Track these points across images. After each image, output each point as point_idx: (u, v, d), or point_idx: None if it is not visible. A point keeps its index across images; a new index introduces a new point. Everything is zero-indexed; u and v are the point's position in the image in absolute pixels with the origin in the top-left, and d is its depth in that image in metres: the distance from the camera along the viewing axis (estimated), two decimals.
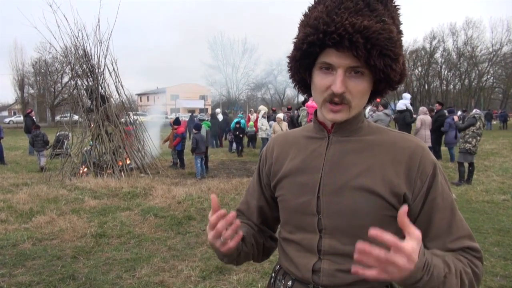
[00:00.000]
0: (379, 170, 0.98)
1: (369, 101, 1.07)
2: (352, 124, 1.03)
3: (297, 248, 1.06)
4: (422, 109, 10.74)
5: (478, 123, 7.93)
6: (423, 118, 10.08)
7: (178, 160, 10.99)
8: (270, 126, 13.01)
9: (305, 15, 0.99)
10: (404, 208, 0.79)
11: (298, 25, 1.01)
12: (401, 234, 1.00)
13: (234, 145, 14.51)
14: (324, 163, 1.03)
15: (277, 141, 1.19)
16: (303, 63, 0.99)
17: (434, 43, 52.85)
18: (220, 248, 1.01)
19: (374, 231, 0.77)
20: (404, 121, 10.22)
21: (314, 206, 1.02)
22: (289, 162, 1.11)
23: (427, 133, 10.03)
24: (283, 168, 1.11)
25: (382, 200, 0.96)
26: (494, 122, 29.40)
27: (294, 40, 0.99)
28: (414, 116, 10.86)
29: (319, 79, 0.97)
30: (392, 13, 0.96)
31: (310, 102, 8.42)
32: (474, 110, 8.82)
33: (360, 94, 0.96)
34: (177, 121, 11.32)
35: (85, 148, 9.78)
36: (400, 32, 0.97)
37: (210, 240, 1.02)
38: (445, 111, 11.42)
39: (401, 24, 1.00)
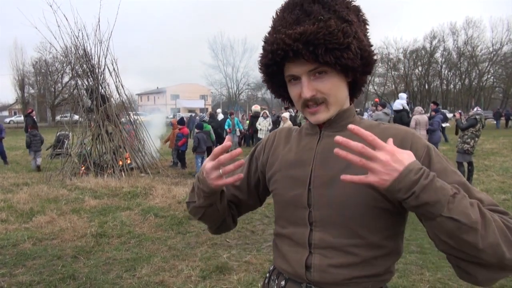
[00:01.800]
0: None
1: (355, 94, 1.10)
2: (342, 119, 1.06)
3: (290, 243, 1.08)
4: (417, 108, 10.75)
5: (478, 124, 7.93)
6: (418, 118, 10.06)
7: (179, 160, 10.98)
8: (270, 125, 13.04)
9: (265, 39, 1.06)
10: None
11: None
12: (394, 230, 1.00)
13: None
14: (314, 156, 1.06)
15: (279, 134, 1.23)
16: (273, 82, 1.08)
17: (434, 42, 52.83)
18: (213, 181, 1.01)
19: (352, 126, 0.82)
20: (402, 120, 10.21)
21: (305, 198, 1.04)
22: (283, 156, 1.14)
23: (422, 133, 10.00)
24: (277, 162, 1.14)
25: (372, 190, 0.95)
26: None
27: (259, 65, 1.07)
28: (411, 116, 10.86)
29: (291, 91, 1.05)
30: (335, 6, 0.97)
31: None
32: (475, 109, 8.79)
33: (331, 90, 1.00)
34: (181, 121, 11.27)
35: (81, 149, 9.78)
36: (346, 21, 0.96)
37: (207, 169, 1.02)
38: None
39: (348, 9, 0.99)
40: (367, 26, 1.05)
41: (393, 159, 0.80)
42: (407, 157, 0.81)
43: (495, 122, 28.17)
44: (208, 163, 1.02)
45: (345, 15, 0.97)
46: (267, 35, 1.02)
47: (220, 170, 1.01)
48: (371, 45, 1.02)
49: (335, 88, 1.00)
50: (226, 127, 15.16)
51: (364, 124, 1.06)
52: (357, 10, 1.02)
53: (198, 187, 1.09)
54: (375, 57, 1.02)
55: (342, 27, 0.94)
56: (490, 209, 0.88)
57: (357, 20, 1.01)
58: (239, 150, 0.97)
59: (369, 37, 1.04)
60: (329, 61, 0.93)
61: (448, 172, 0.93)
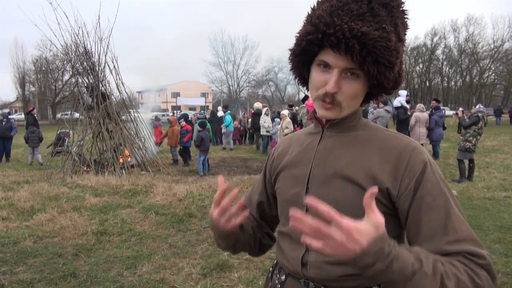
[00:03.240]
0: (365, 164, 0.98)
1: (365, 102, 1.08)
2: (346, 121, 1.05)
3: (289, 240, 1.09)
4: (419, 106, 10.73)
5: (481, 122, 7.92)
6: (418, 115, 10.04)
7: (182, 156, 10.97)
8: (276, 123, 13.03)
9: (312, 10, 1.00)
10: (374, 189, 0.75)
11: (304, 18, 1.02)
12: (392, 234, 0.95)
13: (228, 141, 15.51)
14: (315, 155, 1.06)
15: (284, 140, 1.24)
16: (302, 59, 1.02)
17: (435, 39, 52.72)
18: (224, 226, 1.03)
19: (309, 199, 0.75)
20: (398, 117, 10.23)
21: (303, 197, 1.04)
22: (287, 156, 1.15)
23: (422, 130, 9.99)
24: (282, 162, 1.16)
25: (365, 192, 0.94)
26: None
27: (297, 35, 1.01)
28: (409, 113, 10.87)
29: (316, 75, 0.99)
30: (396, 20, 0.95)
31: (310, 101, 8.41)
32: (477, 106, 8.77)
33: (351, 96, 0.98)
34: (185, 117, 11.47)
35: (76, 147, 9.80)
36: (400, 40, 0.96)
37: (214, 218, 1.04)
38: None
39: (407, 29, 1.00)
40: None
41: (349, 239, 0.74)
42: (366, 235, 0.74)
43: (495, 119, 28.23)
44: (213, 211, 1.04)
45: (401, 33, 0.96)
46: (320, 13, 0.94)
47: (227, 214, 1.03)
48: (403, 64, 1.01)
49: (355, 95, 0.99)
50: (231, 128, 15.15)
51: (368, 127, 1.05)
52: (406, 26, 1.00)
53: (215, 233, 1.12)
54: (402, 80, 1.02)
55: (397, 46, 0.93)
56: (467, 252, 0.87)
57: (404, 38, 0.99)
58: (235, 191, 1.00)
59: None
60: (372, 71, 0.92)
61: (435, 199, 0.92)
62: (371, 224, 0.75)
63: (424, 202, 0.92)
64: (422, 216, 0.93)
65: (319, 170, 1.03)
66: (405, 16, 1.00)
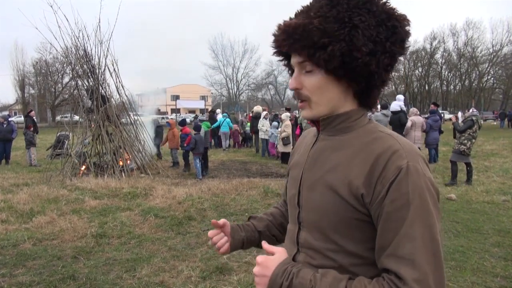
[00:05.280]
0: (344, 169, 0.95)
1: (365, 101, 1.03)
2: (338, 122, 1.02)
3: (287, 238, 1.15)
4: (413, 110, 10.78)
5: (475, 126, 7.96)
6: (414, 119, 10.09)
7: (185, 160, 10.96)
8: (273, 126, 13.05)
9: None
10: (266, 246, 1.05)
11: None
12: (368, 243, 0.95)
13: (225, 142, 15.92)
14: (306, 159, 1.08)
15: (303, 136, 1.27)
16: (288, 67, 1.11)
17: (434, 43, 52.95)
18: (229, 249, 1.29)
19: (264, 244, 1.07)
20: (400, 122, 10.23)
21: (296, 199, 1.08)
22: (295, 156, 1.19)
23: (417, 134, 10.05)
24: (291, 162, 1.21)
25: (343, 200, 0.93)
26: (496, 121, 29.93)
27: None
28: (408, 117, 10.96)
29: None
30: (340, 5, 0.93)
31: None
32: (471, 110, 8.82)
33: (315, 88, 0.98)
34: (182, 122, 11.34)
35: (81, 149, 9.81)
36: (337, 19, 0.91)
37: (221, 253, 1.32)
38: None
39: (360, 9, 0.93)
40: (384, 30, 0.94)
41: (260, 267, 0.99)
42: (273, 262, 0.98)
43: (499, 122, 28.64)
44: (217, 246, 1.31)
45: (346, 17, 0.91)
46: None
47: (214, 247, 1.31)
48: (374, 54, 0.92)
49: (317, 87, 0.98)
50: (224, 129, 15.31)
51: (363, 129, 1.01)
52: (383, 11, 0.95)
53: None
54: (371, 67, 0.92)
55: (327, 27, 0.91)
56: (396, 274, 0.84)
57: (373, 21, 0.93)
58: (222, 221, 1.29)
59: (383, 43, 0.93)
60: (302, 55, 0.97)
61: (397, 209, 0.86)
62: (277, 253, 1.00)
63: (385, 211, 0.88)
64: (380, 225, 0.89)
65: (308, 174, 1.04)
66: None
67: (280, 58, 1.08)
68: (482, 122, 8.79)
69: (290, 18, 1.01)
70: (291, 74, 1.08)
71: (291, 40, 0.95)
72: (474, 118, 8.03)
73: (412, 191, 0.86)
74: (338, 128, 1.02)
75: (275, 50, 1.05)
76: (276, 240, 1.34)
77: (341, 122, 1.02)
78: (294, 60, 1.00)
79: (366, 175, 0.91)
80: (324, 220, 0.98)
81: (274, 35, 1.00)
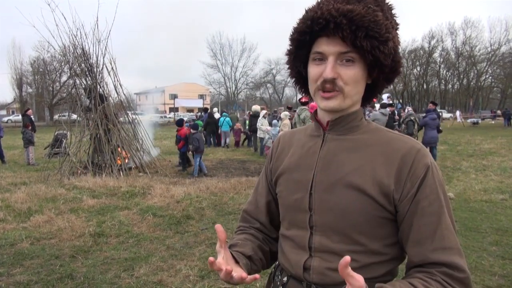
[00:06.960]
0: (370, 169, 0.97)
1: (368, 99, 1.08)
2: (347, 121, 1.03)
3: (291, 244, 1.09)
4: (408, 108, 10.87)
5: (415, 125, 8.24)
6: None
7: (181, 160, 10.92)
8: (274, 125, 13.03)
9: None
10: (346, 259, 0.76)
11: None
12: (395, 238, 1.00)
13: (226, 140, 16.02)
14: (317, 160, 1.04)
15: (283, 138, 1.22)
16: (298, 55, 1.03)
17: (432, 42, 52.97)
18: (231, 275, 1.06)
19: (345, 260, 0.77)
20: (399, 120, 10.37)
21: (306, 202, 1.03)
22: (288, 159, 1.13)
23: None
24: (282, 165, 1.14)
25: (372, 200, 0.95)
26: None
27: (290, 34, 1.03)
28: (402, 114, 11.07)
29: (312, 70, 1.00)
30: (383, 7, 0.98)
31: (313, 102, 8.46)
32: (407, 110, 9.00)
33: (352, 80, 0.96)
34: (179, 123, 10.89)
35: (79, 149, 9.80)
36: (387, 19, 0.97)
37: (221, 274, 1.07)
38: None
39: (394, 18, 1.02)
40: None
41: None
42: None
43: (503, 121, 29.11)
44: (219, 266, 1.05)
45: (389, 16, 0.99)
46: (313, 5, 0.99)
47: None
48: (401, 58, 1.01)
49: (355, 79, 0.97)
50: (225, 128, 15.35)
51: (370, 129, 1.04)
52: (394, 19, 1.03)
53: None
54: (401, 69, 1.01)
55: (386, 23, 0.94)
56: (449, 264, 0.89)
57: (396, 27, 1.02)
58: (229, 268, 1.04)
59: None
60: (365, 46, 0.91)
61: (430, 204, 0.93)
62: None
63: (420, 207, 0.93)
64: (415, 220, 0.94)
65: (323, 176, 1.02)
66: (391, 9, 1.02)
67: (298, 41, 1.00)
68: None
69: (335, 3, 0.94)
70: (297, 66, 1.05)
71: (353, 26, 0.90)
72: (412, 118, 8.23)
73: (439, 186, 0.95)
74: (347, 127, 1.03)
75: (306, 30, 0.96)
76: (262, 263, 1.18)
77: (351, 121, 1.03)
78: (334, 48, 0.94)
79: (395, 173, 0.95)
80: (345, 221, 0.98)
81: (328, 16, 0.91)
